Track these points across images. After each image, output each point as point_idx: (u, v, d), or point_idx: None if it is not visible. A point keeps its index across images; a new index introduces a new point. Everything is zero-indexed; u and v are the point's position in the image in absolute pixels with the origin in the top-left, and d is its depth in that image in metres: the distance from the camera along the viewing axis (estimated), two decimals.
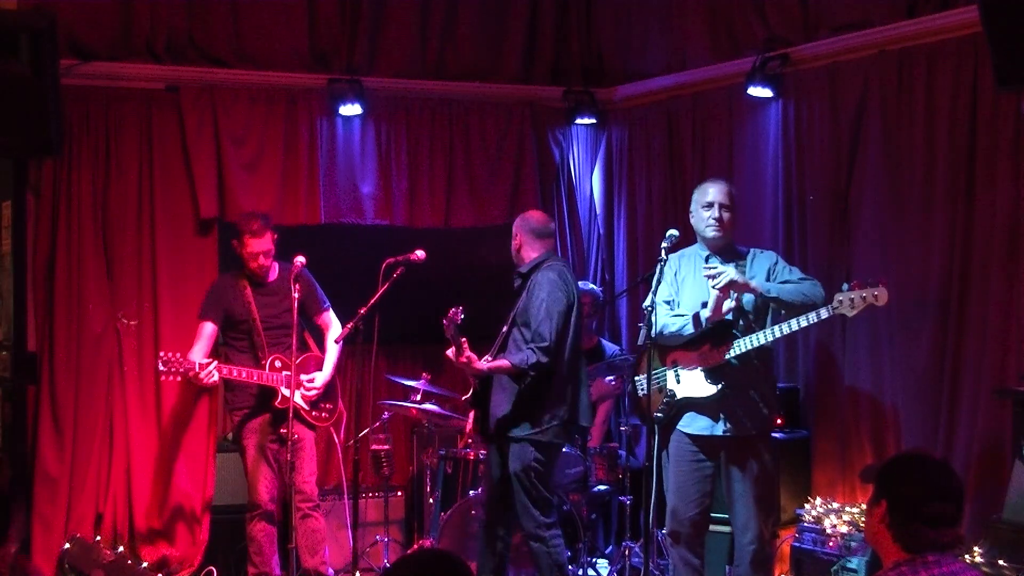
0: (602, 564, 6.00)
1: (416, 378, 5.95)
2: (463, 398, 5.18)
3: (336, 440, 5.90)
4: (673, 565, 4.92)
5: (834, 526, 5.10)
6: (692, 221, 4.93)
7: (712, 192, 4.85)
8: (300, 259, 5.33)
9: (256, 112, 6.25)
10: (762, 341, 4.62)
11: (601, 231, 7.11)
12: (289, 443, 5.17)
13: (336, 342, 5.58)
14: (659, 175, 6.69)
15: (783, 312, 4.67)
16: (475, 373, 4.85)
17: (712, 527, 5.05)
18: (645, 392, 4.63)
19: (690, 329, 4.75)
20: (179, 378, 5.39)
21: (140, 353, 6.04)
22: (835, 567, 4.89)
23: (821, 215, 5.81)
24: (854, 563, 4.80)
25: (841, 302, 4.47)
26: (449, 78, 6.73)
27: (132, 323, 6.03)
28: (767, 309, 4.75)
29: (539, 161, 6.84)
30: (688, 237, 4.98)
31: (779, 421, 5.54)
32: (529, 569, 5.19)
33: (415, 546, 6.14)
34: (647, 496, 4.51)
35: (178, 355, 5.29)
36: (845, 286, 4.50)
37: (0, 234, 5.97)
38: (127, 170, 6.05)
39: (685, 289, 4.90)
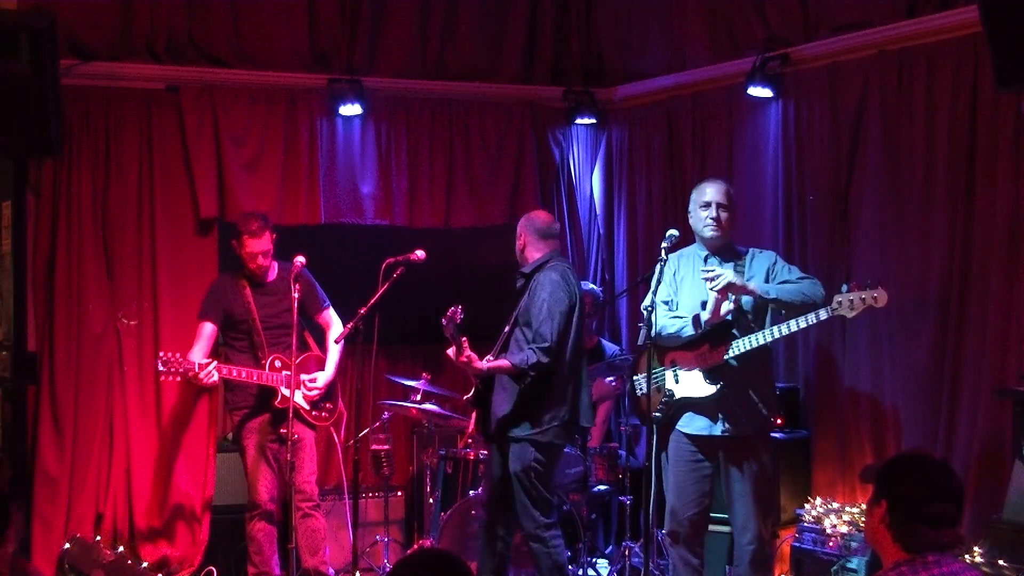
0: (602, 564, 6.00)
1: (416, 378, 5.95)
2: (464, 398, 5.18)
3: (336, 440, 5.89)
4: (673, 565, 4.92)
5: (834, 526, 5.10)
6: (690, 221, 4.93)
7: (710, 192, 4.85)
8: (300, 259, 5.33)
9: (256, 112, 6.25)
10: (761, 342, 4.62)
11: (601, 231, 7.11)
12: (289, 443, 5.17)
13: (336, 342, 5.58)
14: (659, 175, 6.69)
15: (783, 312, 4.67)
16: (475, 373, 4.86)
17: (712, 527, 5.05)
18: (644, 392, 4.63)
19: (689, 331, 4.75)
20: (179, 378, 5.39)
21: (140, 353, 6.04)
22: (835, 567, 4.89)
23: (821, 215, 5.81)
24: (854, 563, 4.80)
25: (840, 303, 4.47)
26: (449, 78, 6.73)
27: (132, 323, 6.03)
28: (766, 309, 4.75)
29: (539, 161, 6.84)
30: (688, 237, 4.98)
31: (779, 421, 5.54)
32: (529, 569, 5.19)
33: (415, 546, 6.15)
34: (647, 496, 4.51)
35: (177, 355, 5.29)
36: (844, 287, 4.50)
37: (0, 234, 5.97)
38: (127, 170, 6.05)
39: (684, 289, 4.90)
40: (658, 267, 4.66)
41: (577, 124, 6.98)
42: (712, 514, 4.92)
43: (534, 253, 5.00)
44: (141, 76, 6.11)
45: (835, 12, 5.75)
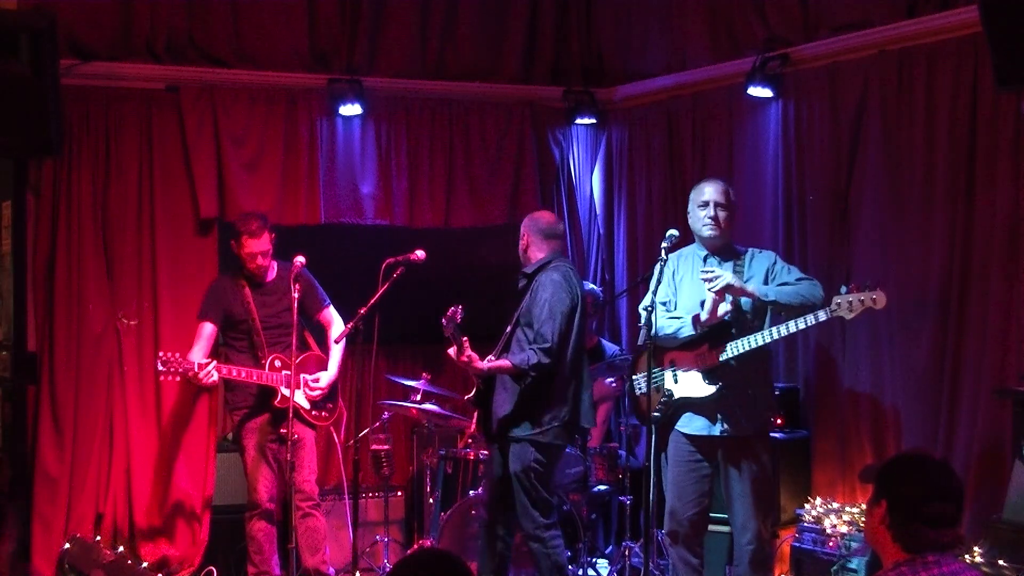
0: (602, 564, 6.01)
1: (416, 378, 5.95)
2: (465, 398, 5.18)
3: (336, 440, 5.89)
4: (672, 565, 4.92)
5: (834, 526, 5.10)
6: (689, 221, 4.93)
7: (708, 191, 4.85)
8: (300, 259, 5.33)
9: (256, 112, 6.25)
10: (759, 343, 4.62)
11: (601, 231, 7.11)
12: (289, 442, 5.17)
13: (335, 342, 5.58)
14: (659, 175, 6.69)
15: (782, 313, 4.67)
16: (476, 372, 4.86)
17: (711, 527, 5.05)
18: (643, 392, 4.63)
19: (686, 331, 4.75)
20: (178, 378, 5.39)
21: (140, 353, 6.04)
22: (835, 567, 4.89)
23: (821, 215, 5.81)
24: (854, 563, 4.80)
25: (839, 305, 4.48)
26: (449, 78, 6.73)
27: (132, 323, 6.03)
28: (765, 309, 4.76)
29: (539, 161, 6.84)
30: (688, 237, 4.98)
31: (779, 421, 5.55)
32: (530, 569, 5.19)
33: (415, 546, 6.15)
34: (647, 496, 4.51)
35: (177, 355, 5.29)
36: (843, 289, 4.50)
37: (0, 234, 5.97)
38: (127, 170, 6.05)
39: (683, 289, 4.90)
40: (658, 267, 4.66)
41: (577, 124, 6.98)
42: (712, 514, 4.92)
43: (537, 253, 4.99)
44: (141, 76, 6.11)
45: (835, 12, 5.75)
